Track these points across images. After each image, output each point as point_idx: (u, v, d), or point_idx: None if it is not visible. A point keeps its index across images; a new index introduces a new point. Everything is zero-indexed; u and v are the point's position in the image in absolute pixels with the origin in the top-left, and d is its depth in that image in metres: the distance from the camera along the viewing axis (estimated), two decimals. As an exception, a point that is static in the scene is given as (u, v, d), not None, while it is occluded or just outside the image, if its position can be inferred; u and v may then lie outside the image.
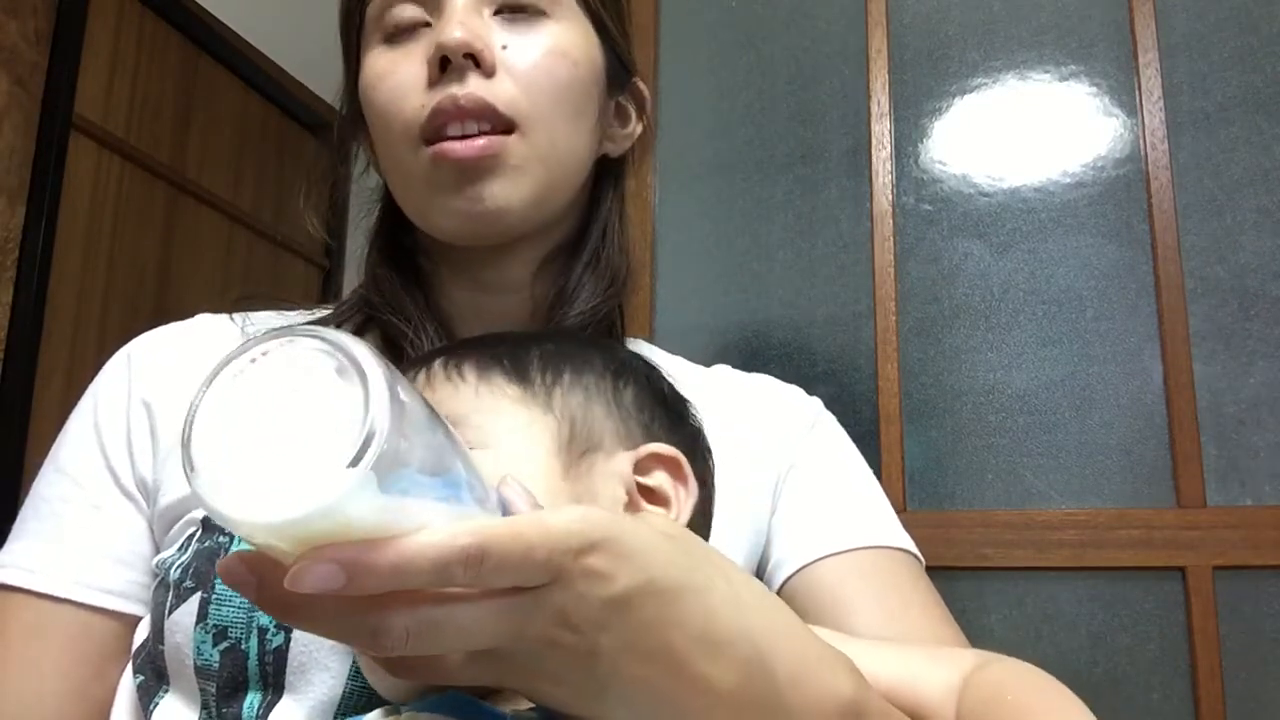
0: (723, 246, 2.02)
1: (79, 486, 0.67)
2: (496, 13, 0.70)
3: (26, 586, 0.64)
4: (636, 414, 0.55)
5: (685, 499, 0.52)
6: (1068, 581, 1.72)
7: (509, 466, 0.49)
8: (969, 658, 0.49)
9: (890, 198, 1.93)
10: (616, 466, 0.52)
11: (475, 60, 0.67)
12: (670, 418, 0.57)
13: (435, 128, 0.67)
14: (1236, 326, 1.75)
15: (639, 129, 0.80)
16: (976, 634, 1.85)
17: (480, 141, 0.66)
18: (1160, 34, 1.86)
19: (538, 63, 0.69)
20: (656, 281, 2.02)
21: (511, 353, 0.56)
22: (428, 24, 0.70)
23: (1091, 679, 1.67)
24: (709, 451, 0.60)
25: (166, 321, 0.75)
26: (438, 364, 0.56)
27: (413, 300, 0.72)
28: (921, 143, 1.96)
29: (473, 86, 0.66)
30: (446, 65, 0.67)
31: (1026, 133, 1.91)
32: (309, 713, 0.56)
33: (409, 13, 0.70)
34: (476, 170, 0.67)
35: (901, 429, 1.83)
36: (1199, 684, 1.62)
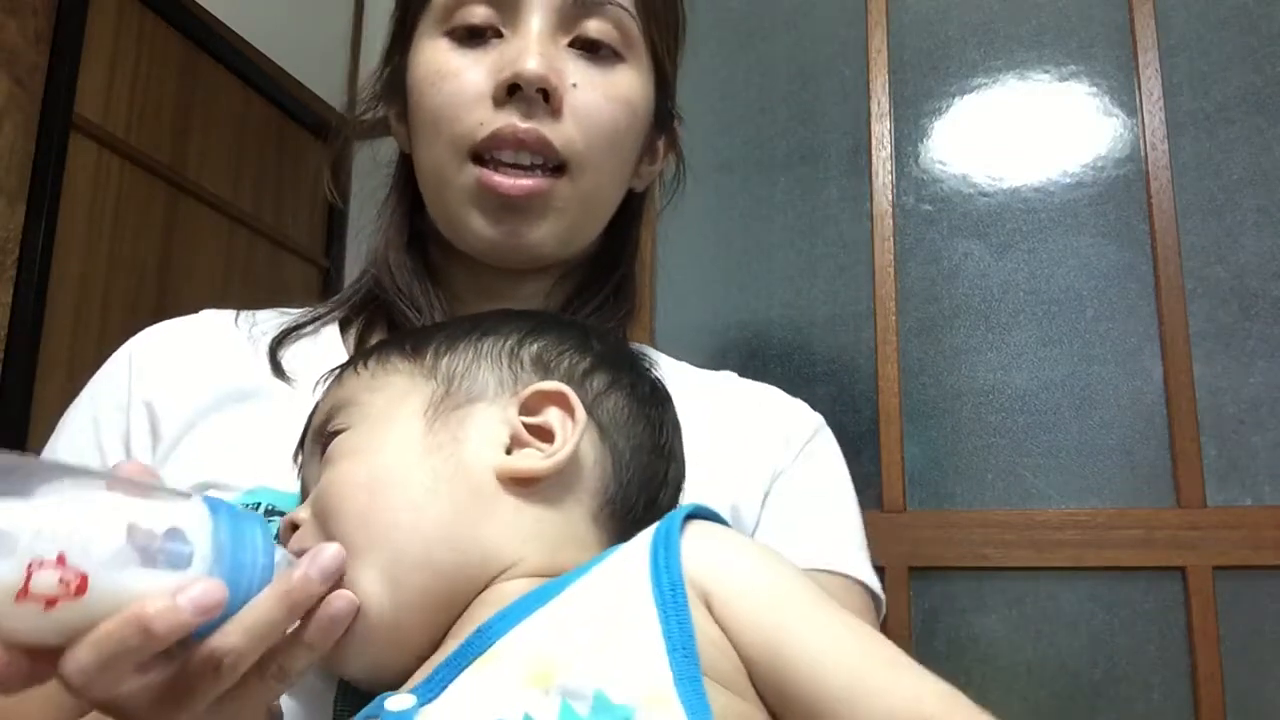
0: (723, 246, 2.02)
1: None
2: (571, 43, 0.69)
3: None
4: (534, 365, 0.56)
5: (573, 429, 0.53)
6: (1068, 581, 1.72)
7: (369, 434, 0.53)
8: (930, 695, 0.42)
9: (890, 198, 1.93)
10: (499, 411, 0.54)
11: (545, 94, 0.66)
12: (594, 363, 0.58)
13: (488, 149, 0.67)
14: (1236, 326, 1.75)
15: (663, 166, 0.81)
16: (976, 634, 1.85)
17: (528, 182, 0.66)
18: (1160, 34, 1.86)
19: (603, 110, 0.69)
20: (656, 281, 2.02)
21: (417, 337, 0.59)
22: (498, 32, 0.69)
23: (1091, 679, 1.67)
24: (643, 379, 0.60)
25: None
26: (352, 364, 0.58)
27: (423, 290, 0.72)
28: (921, 143, 1.96)
29: (537, 122, 0.66)
30: (515, 90, 0.66)
31: (1026, 133, 1.91)
32: (308, 704, 0.56)
33: (481, 15, 0.69)
34: (520, 207, 0.67)
35: (901, 429, 1.83)
36: (1199, 684, 1.62)
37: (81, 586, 0.39)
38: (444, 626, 0.50)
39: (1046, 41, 1.92)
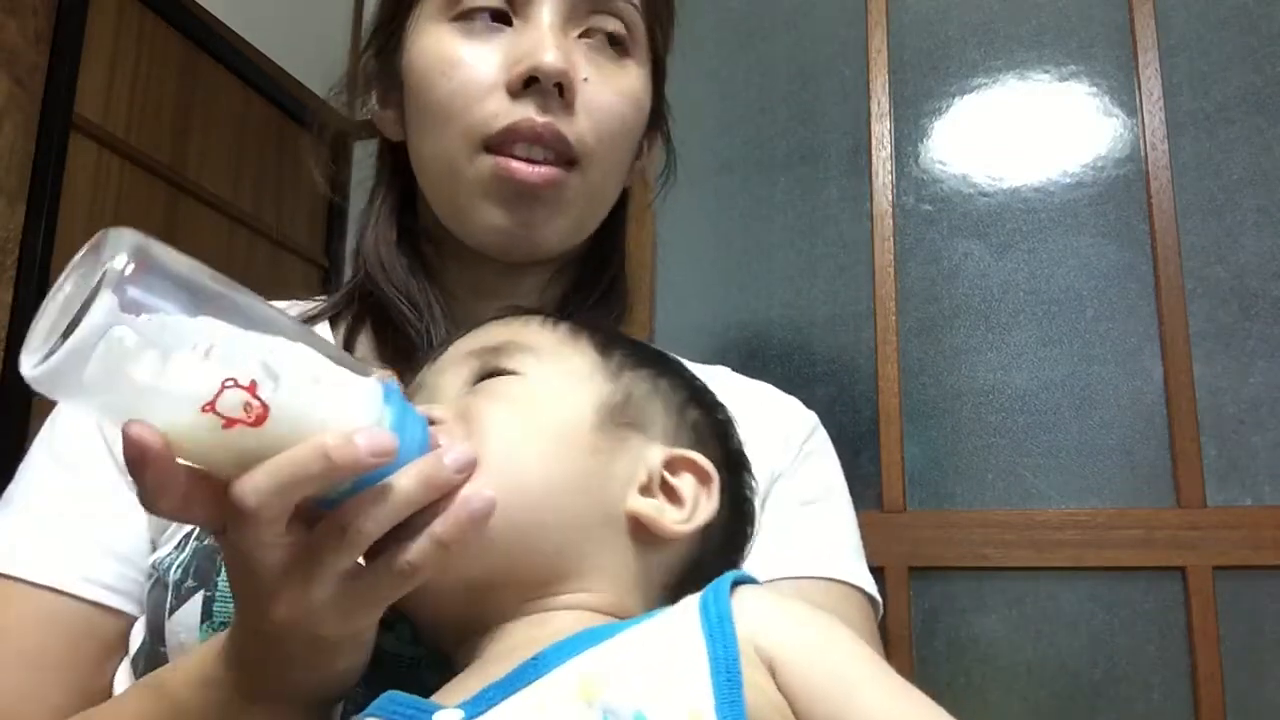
0: (723, 246, 2.02)
1: (79, 477, 0.66)
2: (581, 35, 0.69)
3: (28, 578, 0.63)
4: (692, 431, 0.57)
5: (703, 505, 0.53)
6: (1068, 581, 1.72)
7: (539, 392, 0.53)
8: None
9: (890, 198, 1.93)
10: (649, 453, 0.54)
11: (560, 88, 0.66)
12: (727, 457, 0.58)
13: (503, 141, 0.66)
14: (1236, 326, 1.75)
15: (648, 160, 0.81)
16: (976, 634, 1.85)
17: (546, 170, 0.66)
18: (1160, 34, 1.85)
19: (614, 106, 0.69)
20: (656, 281, 2.02)
21: (606, 334, 0.59)
22: (507, 21, 0.68)
23: (1091, 679, 1.67)
24: (752, 490, 0.61)
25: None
26: (539, 315, 0.59)
27: (420, 288, 0.71)
28: (921, 143, 1.96)
29: (553, 117, 0.66)
30: (531, 83, 0.66)
31: (1026, 133, 1.91)
32: None
33: (491, 1, 0.68)
34: (535, 197, 0.67)
35: (901, 429, 1.83)
36: (1199, 684, 1.62)
37: (261, 418, 0.41)
38: (487, 598, 0.50)
39: (1046, 41, 1.92)
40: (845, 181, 1.97)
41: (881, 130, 1.95)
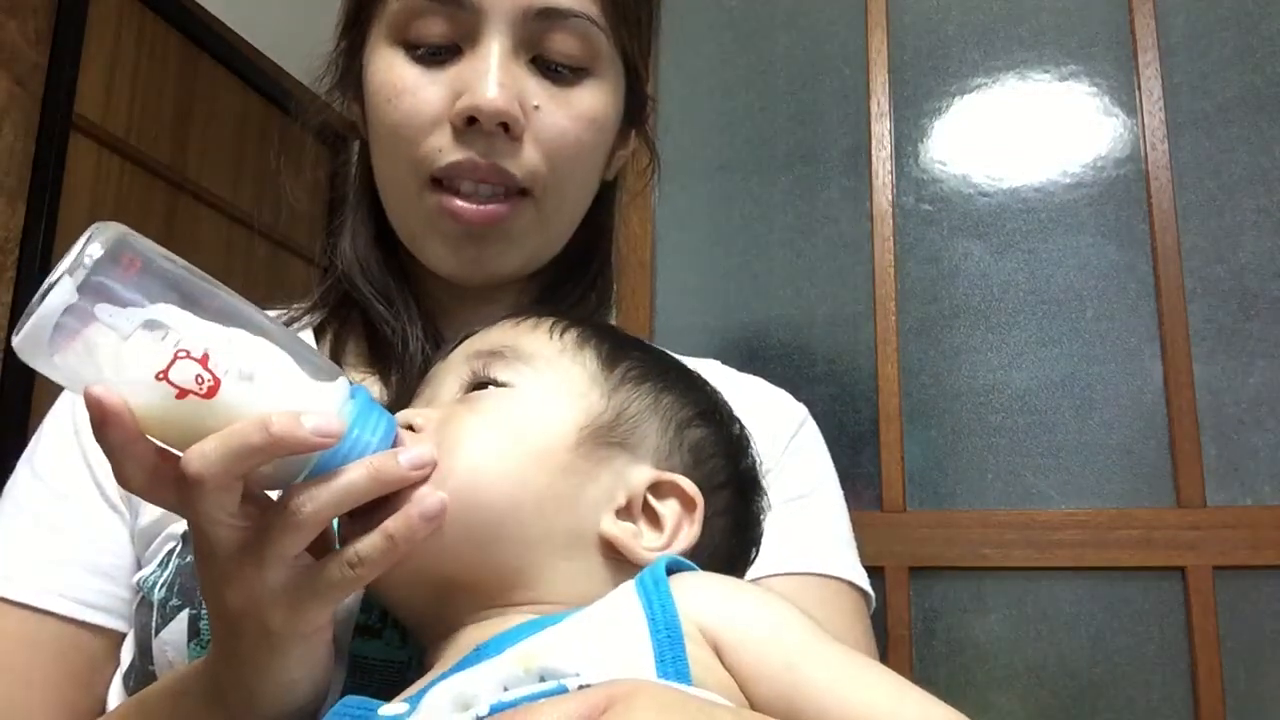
0: (723, 246, 2.02)
1: (61, 496, 0.66)
2: (534, 60, 0.66)
3: (8, 595, 0.63)
4: (689, 452, 0.55)
5: (685, 532, 0.52)
6: (1068, 581, 1.72)
7: (524, 411, 0.52)
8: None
9: (890, 198, 1.93)
10: (634, 474, 0.53)
11: (505, 126, 0.64)
12: (730, 478, 0.57)
13: (447, 176, 0.65)
14: (1236, 326, 1.74)
15: (633, 149, 0.79)
16: (976, 634, 1.84)
17: (490, 207, 0.65)
18: (1160, 34, 1.85)
19: (569, 131, 0.67)
20: (656, 281, 2.02)
21: (615, 343, 0.57)
22: (457, 48, 0.66)
23: (1091, 679, 1.67)
24: (758, 520, 0.60)
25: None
26: (550, 319, 0.58)
27: (399, 290, 0.71)
28: (921, 143, 1.96)
29: (497, 155, 0.64)
30: (473, 122, 0.64)
31: (1026, 133, 1.91)
32: None
33: (438, 30, 0.66)
34: (480, 235, 0.66)
35: (901, 429, 1.83)
36: (1199, 684, 1.62)
37: (212, 391, 0.43)
38: (446, 602, 0.50)
39: (1046, 41, 1.92)
40: (845, 181, 1.97)
41: (881, 130, 1.95)
